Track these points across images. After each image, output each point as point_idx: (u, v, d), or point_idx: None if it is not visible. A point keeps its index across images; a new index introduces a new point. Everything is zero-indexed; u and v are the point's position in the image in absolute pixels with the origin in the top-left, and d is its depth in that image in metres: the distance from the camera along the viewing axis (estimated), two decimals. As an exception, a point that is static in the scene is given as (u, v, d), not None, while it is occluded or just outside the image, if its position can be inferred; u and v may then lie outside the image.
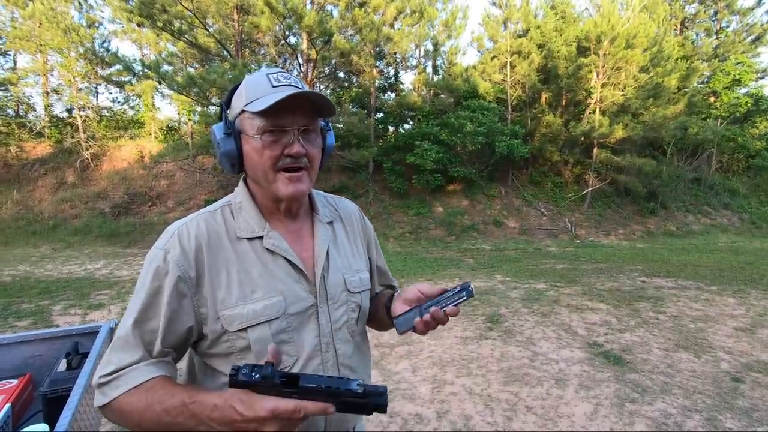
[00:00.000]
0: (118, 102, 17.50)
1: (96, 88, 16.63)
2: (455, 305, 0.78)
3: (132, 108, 17.54)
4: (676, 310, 4.99)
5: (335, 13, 13.23)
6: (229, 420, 0.60)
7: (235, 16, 11.82)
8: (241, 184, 0.85)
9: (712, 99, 17.95)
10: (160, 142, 16.01)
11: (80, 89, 15.27)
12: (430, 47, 16.09)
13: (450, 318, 0.79)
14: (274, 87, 0.74)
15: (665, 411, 2.67)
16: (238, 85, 0.80)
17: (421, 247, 10.93)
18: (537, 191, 14.94)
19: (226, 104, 0.81)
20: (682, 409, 2.70)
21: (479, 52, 17.66)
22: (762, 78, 18.72)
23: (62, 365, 1.35)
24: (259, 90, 0.75)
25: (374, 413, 0.64)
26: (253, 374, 0.59)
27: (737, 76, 17.26)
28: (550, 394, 2.88)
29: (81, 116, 14.78)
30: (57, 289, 5.82)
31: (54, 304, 5.05)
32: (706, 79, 18.16)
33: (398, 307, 0.84)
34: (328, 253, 0.85)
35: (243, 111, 0.76)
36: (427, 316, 0.78)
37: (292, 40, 13.05)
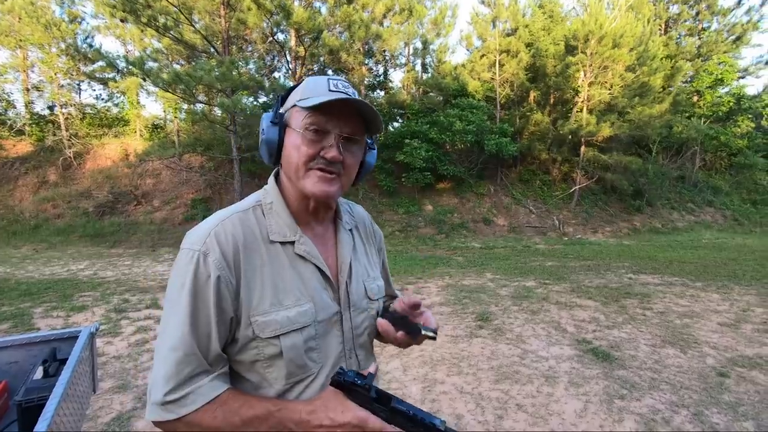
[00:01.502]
0: (102, 99, 17.12)
1: (79, 84, 16.23)
2: (409, 332, 0.80)
3: (116, 105, 17.15)
4: (662, 306, 5.06)
5: (323, 10, 13.12)
6: (316, 424, 0.64)
7: (222, 12, 11.62)
8: (272, 182, 0.84)
9: (695, 98, 18.30)
10: (145, 140, 15.68)
11: (62, 86, 14.89)
12: (419, 45, 16.12)
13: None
14: (330, 90, 0.76)
15: (653, 407, 2.70)
16: (300, 83, 0.82)
17: (411, 246, 10.93)
18: (526, 189, 15.06)
19: (283, 99, 0.83)
20: (669, 405, 2.73)
21: (468, 50, 17.77)
22: (743, 77, 19.15)
23: (39, 372, 1.29)
24: (315, 90, 0.76)
25: None
26: (356, 379, 0.65)
27: (720, 76, 17.62)
28: (540, 392, 2.89)
29: (63, 114, 14.42)
30: (38, 290, 5.67)
31: (35, 307, 4.91)
32: (689, 79, 18.50)
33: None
34: (351, 261, 0.86)
35: (294, 105, 0.77)
36: (399, 334, 0.81)
37: (281, 36, 12.93)
